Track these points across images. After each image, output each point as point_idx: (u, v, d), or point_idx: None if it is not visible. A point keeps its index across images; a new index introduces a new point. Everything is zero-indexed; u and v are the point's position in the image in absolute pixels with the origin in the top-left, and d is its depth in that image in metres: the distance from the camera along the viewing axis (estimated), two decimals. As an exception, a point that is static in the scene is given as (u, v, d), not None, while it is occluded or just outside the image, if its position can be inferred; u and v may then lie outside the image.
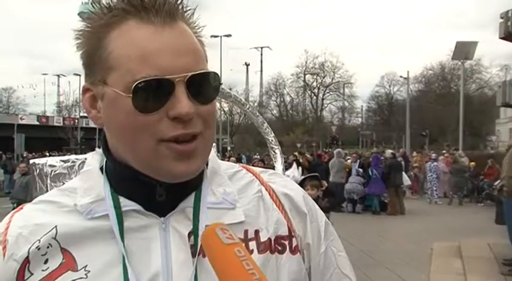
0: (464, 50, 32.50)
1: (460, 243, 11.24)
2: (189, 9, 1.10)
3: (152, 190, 1.08)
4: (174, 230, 1.08)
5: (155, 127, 1.02)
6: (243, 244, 0.96)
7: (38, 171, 2.61)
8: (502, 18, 31.23)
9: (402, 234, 13.87)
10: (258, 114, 5.08)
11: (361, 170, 18.90)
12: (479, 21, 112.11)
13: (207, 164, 1.17)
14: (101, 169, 1.16)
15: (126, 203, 1.08)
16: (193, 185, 1.12)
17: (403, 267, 9.83)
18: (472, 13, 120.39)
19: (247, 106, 5.14)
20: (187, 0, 1.09)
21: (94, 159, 1.19)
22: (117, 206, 1.07)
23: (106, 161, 1.15)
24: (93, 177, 1.15)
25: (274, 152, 4.92)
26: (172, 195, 1.10)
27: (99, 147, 1.22)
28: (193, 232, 1.07)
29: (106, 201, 1.09)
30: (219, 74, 1.09)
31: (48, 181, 2.51)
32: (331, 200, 9.13)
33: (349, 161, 20.77)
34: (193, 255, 1.04)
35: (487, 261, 9.75)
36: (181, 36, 1.05)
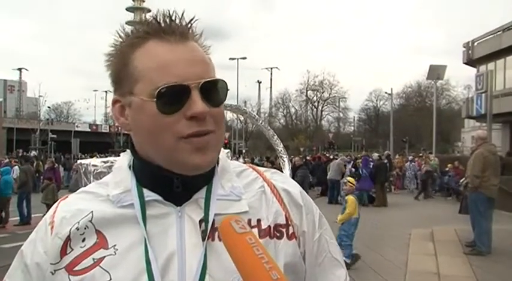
0: (436, 71, 32.36)
1: (433, 229, 11.18)
2: (198, 33, 1.09)
3: (170, 182, 1.06)
4: (188, 217, 1.05)
5: (175, 127, 1.00)
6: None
7: (83, 170, 2.71)
8: (464, 47, 31.33)
9: (386, 222, 13.79)
10: (269, 128, 4.97)
11: (353, 169, 18.98)
12: (447, 49, 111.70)
13: (217, 162, 1.14)
14: (130, 166, 1.14)
15: (149, 194, 1.07)
16: (206, 179, 1.09)
17: (387, 250, 9.79)
18: (442, 43, 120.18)
19: (260, 121, 5.07)
20: (196, 24, 1.09)
21: (124, 158, 1.17)
22: (141, 196, 1.06)
23: (133, 160, 1.13)
24: (123, 172, 1.13)
25: (282, 160, 4.82)
26: (187, 187, 1.07)
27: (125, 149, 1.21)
28: (204, 219, 1.05)
29: (132, 192, 1.08)
30: (227, 83, 1.08)
31: (92, 178, 2.59)
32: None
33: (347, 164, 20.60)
34: (203, 239, 1.03)
35: (453, 244, 9.71)
36: (193, 50, 1.05)
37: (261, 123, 5.04)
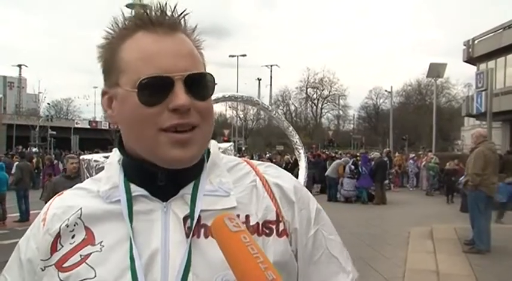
0: (436, 70, 32.49)
1: (432, 227, 11.21)
2: (191, 27, 1.08)
3: (154, 176, 1.05)
4: (173, 213, 1.03)
5: (157, 118, 0.99)
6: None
7: (86, 165, 2.72)
8: (464, 45, 31.34)
9: (386, 220, 13.80)
10: (283, 119, 4.78)
11: (353, 167, 19.02)
12: (447, 48, 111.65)
13: (208, 157, 1.13)
14: (119, 161, 1.13)
15: (136, 189, 1.05)
16: (194, 174, 1.08)
17: (386, 247, 9.81)
18: (442, 41, 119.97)
19: (274, 112, 4.89)
20: (189, 18, 1.08)
21: (115, 154, 1.15)
22: (128, 192, 1.05)
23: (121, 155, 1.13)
24: (113, 168, 1.12)
25: (298, 152, 4.54)
26: (172, 182, 1.05)
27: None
28: (190, 216, 1.02)
29: (119, 188, 1.07)
30: (214, 77, 1.07)
31: (94, 173, 2.60)
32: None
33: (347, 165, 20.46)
34: (188, 235, 1.00)
35: (452, 242, 9.72)
36: (180, 43, 1.03)
37: (275, 114, 4.83)
